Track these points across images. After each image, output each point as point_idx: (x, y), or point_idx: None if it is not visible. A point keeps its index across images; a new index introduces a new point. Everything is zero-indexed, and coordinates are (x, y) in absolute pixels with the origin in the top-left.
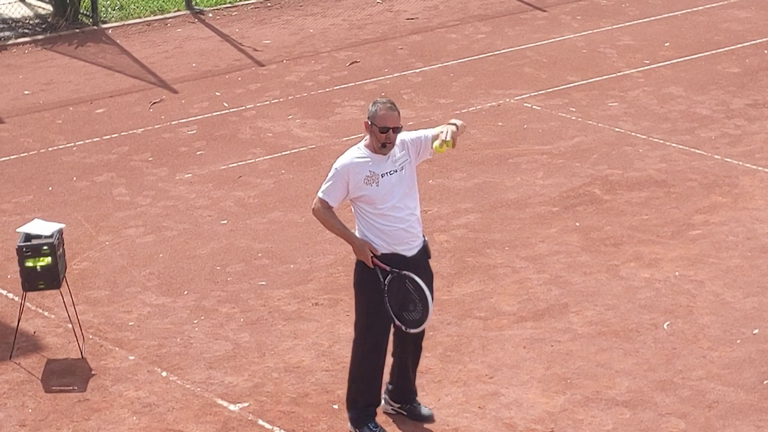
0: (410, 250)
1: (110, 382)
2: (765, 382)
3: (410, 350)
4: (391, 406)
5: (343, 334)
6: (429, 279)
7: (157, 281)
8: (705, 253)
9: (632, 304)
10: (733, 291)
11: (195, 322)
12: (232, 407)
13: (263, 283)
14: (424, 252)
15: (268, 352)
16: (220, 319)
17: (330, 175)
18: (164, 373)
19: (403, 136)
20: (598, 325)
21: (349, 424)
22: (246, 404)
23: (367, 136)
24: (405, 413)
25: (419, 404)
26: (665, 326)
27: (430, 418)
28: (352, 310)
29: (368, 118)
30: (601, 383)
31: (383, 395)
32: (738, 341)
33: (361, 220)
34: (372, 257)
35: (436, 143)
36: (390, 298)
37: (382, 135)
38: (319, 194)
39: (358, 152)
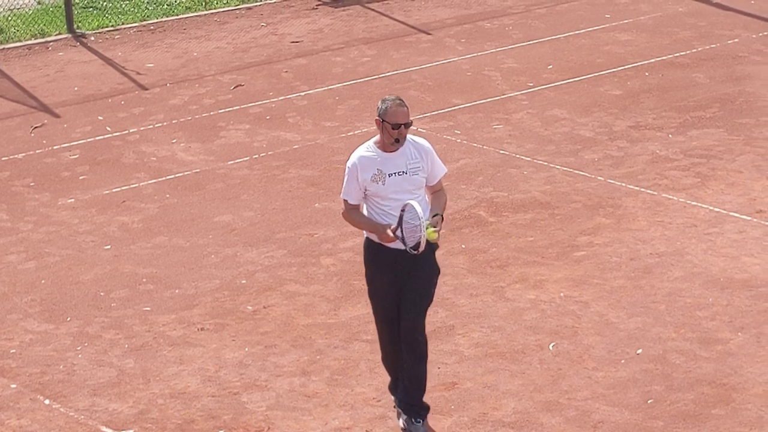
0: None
1: None
2: (649, 402)
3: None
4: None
5: (229, 358)
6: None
7: (39, 308)
8: (589, 274)
9: (518, 326)
10: (617, 311)
11: (78, 348)
12: None
13: (148, 308)
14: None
15: (153, 378)
16: (104, 345)
17: (346, 175)
18: (47, 401)
19: (430, 153)
20: (485, 346)
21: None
22: (131, 431)
23: (377, 135)
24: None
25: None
26: (551, 347)
27: None
28: (238, 335)
29: (379, 115)
30: (487, 405)
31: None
32: (622, 361)
33: (370, 204)
34: (391, 230)
35: (431, 230)
36: (404, 237)
37: (394, 131)
38: (342, 196)
39: (367, 150)
